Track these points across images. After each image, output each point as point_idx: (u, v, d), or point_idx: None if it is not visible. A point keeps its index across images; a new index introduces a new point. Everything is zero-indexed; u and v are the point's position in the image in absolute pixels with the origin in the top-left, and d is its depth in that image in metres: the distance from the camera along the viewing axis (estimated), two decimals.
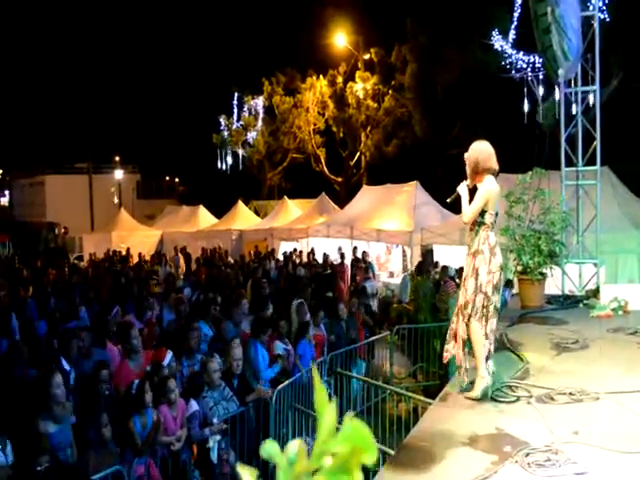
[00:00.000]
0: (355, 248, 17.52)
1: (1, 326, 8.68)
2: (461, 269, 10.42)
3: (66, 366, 6.51)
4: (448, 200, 5.15)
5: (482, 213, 4.63)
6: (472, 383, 4.62)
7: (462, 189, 4.80)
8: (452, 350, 4.80)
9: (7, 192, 56.61)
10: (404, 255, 17.75)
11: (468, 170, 4.78)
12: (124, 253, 21.80)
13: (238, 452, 6.41)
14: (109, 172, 46.60)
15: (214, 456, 6.00)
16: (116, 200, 42.00)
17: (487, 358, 4.58)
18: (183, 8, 61.29)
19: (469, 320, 4.59)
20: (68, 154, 47.25)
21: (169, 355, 7.01)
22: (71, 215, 38.32)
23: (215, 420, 6.11)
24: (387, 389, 8.43)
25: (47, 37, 61.74)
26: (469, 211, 4.67)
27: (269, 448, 0.85)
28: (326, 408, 0.86)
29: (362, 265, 15.69)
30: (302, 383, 7.61)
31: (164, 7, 61.19)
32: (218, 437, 6.05)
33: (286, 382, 7.30)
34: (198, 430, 6.00)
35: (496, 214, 4.71)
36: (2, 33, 62.67)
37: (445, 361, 5.00)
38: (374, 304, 13.10)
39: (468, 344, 4.74)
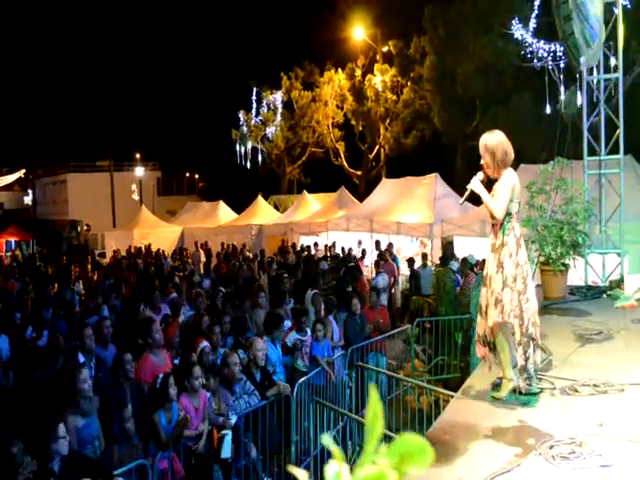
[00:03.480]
0: (378, 242, 17.42)
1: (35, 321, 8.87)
2: (484, 261, 10.38)
3: (81, 358, 6.58)
4: (461, 202, 5.00)
5: None
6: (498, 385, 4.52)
7: (476, 185, 4.47)
8: (480, 352, 4.72)
9: (30, 191, 57.29)
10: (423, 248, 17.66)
11: (492, 162, 4.42)
12: (144, 250, 21.97)
13: (260, 446, 6.42)
14: (130, 169, 47.01)
15: (227, 452, 5.93)
16: (137, 197, 42.31)
17: (527, 353, 4.41)
18: (202, 4, 61.52)
19: (496, 320, 4.40)
20: (89, 152, 47.83)
21: (203, 344, 7.09)
22: (93, 212, 38.76)
23: (232, 418, 6.09)
24: (408, 382, 8.39)
25: (68, 36, 62.35)
26: (500, 204, 4.35)
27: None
28: (378, 422, 0.84)
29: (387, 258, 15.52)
30: (321, 382, 7.61)
31: (183, 4, 61.47)
32: (228, 432, 5.98)
33: (306, 376, 7.29)
34: (213, 415, 6.02)
35: (519, 204, 4.51)
36: (24, 34, 63.49)
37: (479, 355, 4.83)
38: (384, 298, 13.01)
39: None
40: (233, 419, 6.03)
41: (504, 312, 4.37)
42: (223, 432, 5.86)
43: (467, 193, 4.63)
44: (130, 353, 6.29)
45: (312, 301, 9.60)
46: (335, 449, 0.83)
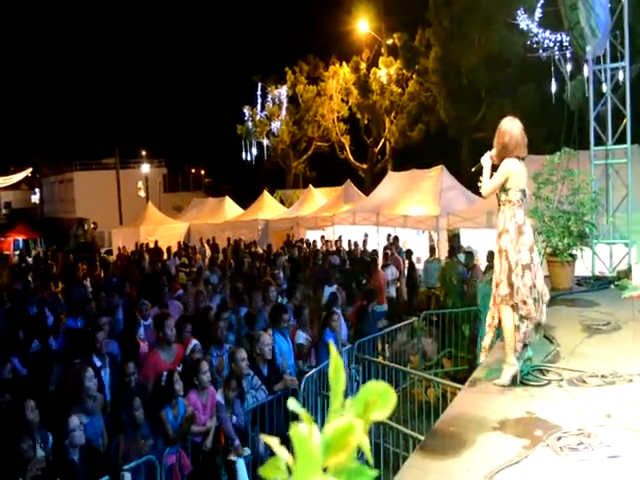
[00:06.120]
0: (389, 236, 17.33)
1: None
2: (491, 253, 10.40)
3: (97, 362, 6.58)
4: (473, 169, 5.06)
5: (506, 190, 4.51)
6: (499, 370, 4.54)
7: (485, 160, 4.76)
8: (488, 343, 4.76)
9: (37, 189, 57.49)
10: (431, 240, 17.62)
11: (495, 146, 4.71)
12: (152, 246, 21.99)
13: None
14: (136, 167, 47.06)
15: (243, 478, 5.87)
16: (143, 194, 42.34)
17: (524, 344, 4.50)
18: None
19: (500, 303, 4.48)
20: (95, 150, 47.91)
21: (192, 343, 7.06)
22: (100, 210, 38.79)
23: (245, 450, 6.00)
24: (415, 375, 8.38)
25: (72, 34, 62.40)
26: (488, 184, 4.66)
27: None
28: (340, 377, 0.84)
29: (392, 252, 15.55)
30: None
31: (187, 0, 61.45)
32: (240, 459, 5.90)
33: (313, 370, 7.29)
34: (227, 419, 5.97)
35: (523, 192, 4.57)
36: (29, 33, 63.62)
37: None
38: (392, 290, 13.05)
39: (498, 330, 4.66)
40: (247, 451, 5.94)
41: (509, 297, 4.42)
42: (233, 458, 5.76)
43: (477, 164, 4.86)
44: (132, 359, 6.30)
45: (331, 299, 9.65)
46: (303, 412, 0.82)
